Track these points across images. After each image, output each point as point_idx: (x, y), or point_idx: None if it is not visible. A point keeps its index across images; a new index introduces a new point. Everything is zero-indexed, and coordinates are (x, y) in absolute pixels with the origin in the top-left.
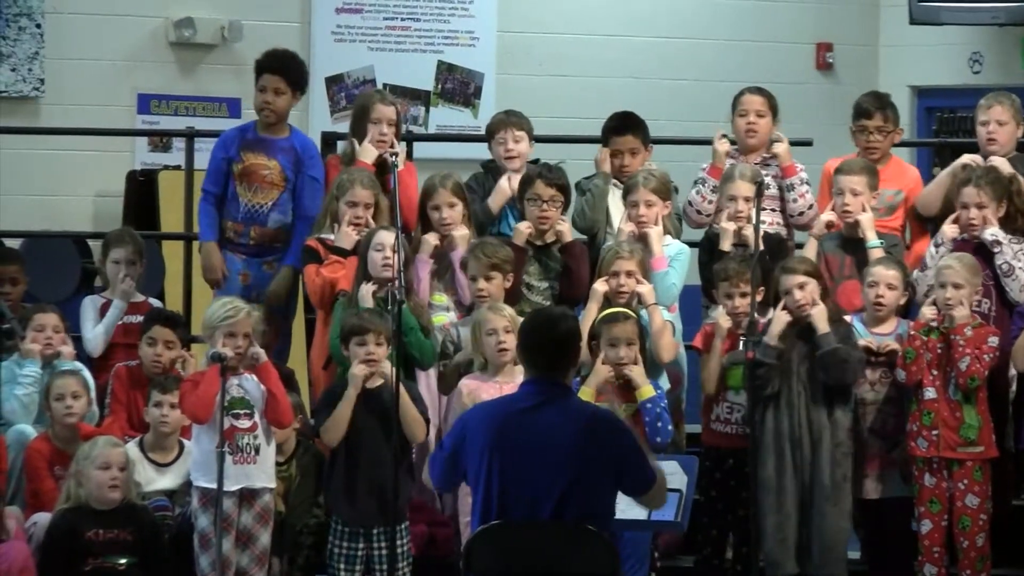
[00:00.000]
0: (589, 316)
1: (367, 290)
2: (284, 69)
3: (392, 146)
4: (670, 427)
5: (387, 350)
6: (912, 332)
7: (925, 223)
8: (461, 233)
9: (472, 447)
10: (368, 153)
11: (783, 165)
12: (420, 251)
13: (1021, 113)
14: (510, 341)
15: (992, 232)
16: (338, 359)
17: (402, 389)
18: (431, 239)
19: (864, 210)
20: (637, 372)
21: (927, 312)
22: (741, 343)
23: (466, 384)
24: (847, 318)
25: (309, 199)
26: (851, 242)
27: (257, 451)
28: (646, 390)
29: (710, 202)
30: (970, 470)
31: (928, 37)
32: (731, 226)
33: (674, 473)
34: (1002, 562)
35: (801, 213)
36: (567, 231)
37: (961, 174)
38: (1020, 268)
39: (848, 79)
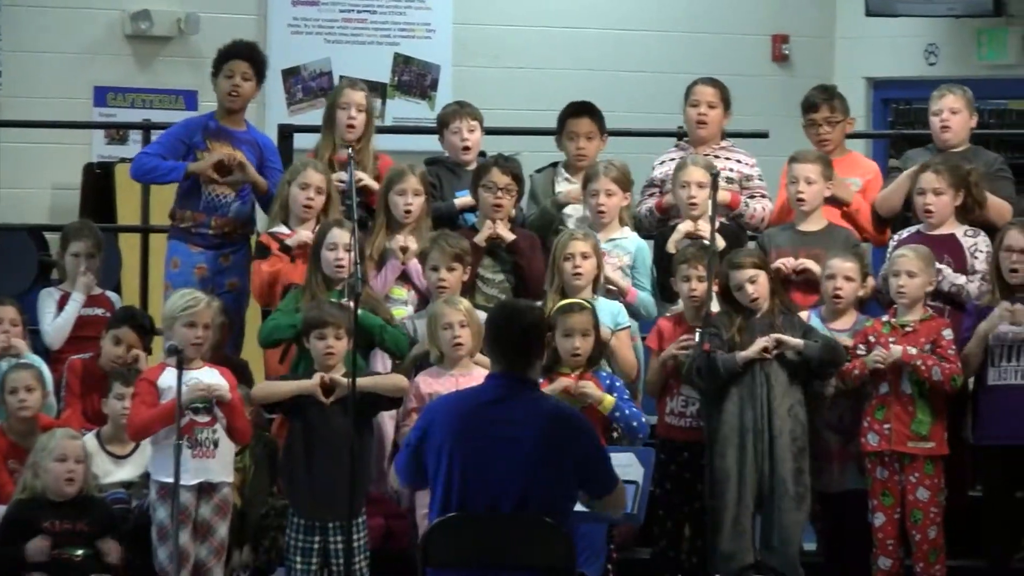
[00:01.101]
0: None
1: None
2: (252, 56)
3: (362, 128)
4: (643, 419)
5: (347, 344)
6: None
7: (885, 224)
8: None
9: (433, 439)
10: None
11: (725, 203)
12: (392, 256)
13: (973, 104)
14: (465, 335)
15: (951, 281)
16: (269, 340)
17: (369, 380)
18: (398, 244)
19: (819, 200)
20: (590, 389)
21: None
22: (697, 335)
23: (423, 379)
24: (803, 314)
25: (272, 193)
26: (803, 235)
27: (216, 445)
28: (607, 401)
29: (648, 220)
30: (921, 464)
31: (884, 28)
32: (686, 226)
33: (630, 465)
34: (959, 554)
35: (756, 228)
36: (506, 232)
37: (919, 159)
38: (968, 280)
39: (804, 71)
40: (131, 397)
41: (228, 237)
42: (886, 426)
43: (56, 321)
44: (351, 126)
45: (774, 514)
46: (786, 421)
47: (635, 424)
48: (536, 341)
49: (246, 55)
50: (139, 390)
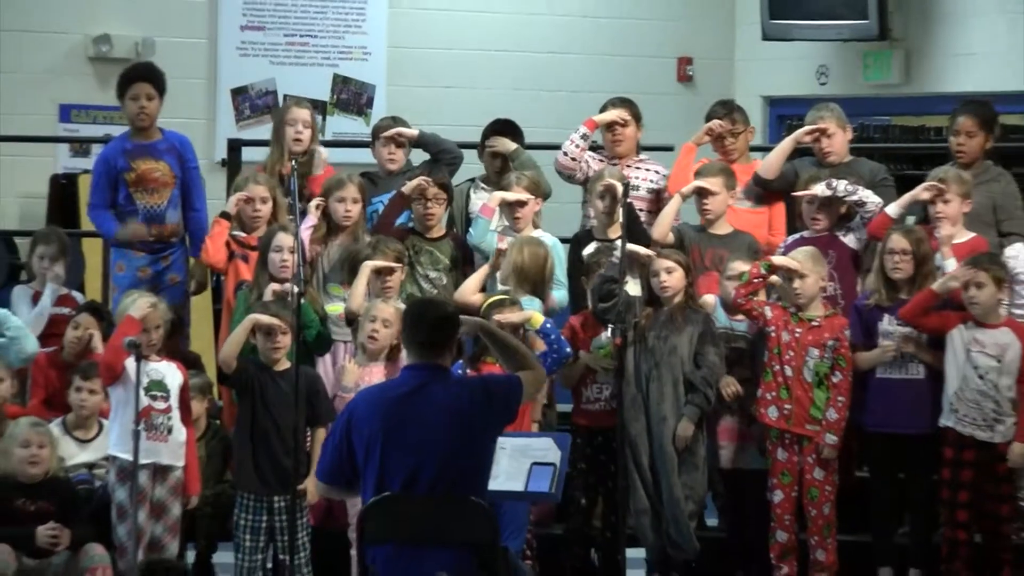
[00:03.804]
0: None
1: (270, 290)
2: (154, 77)
3: (308, 143)
4: (564, 339)
5: (290, 338)
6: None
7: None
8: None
9: (360, 432)
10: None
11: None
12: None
13: (844, 118)
14: (383, 334)
15: (860, 197)
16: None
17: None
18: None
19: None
20: (515, 315)
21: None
22: (609, 329)
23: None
24: (709, 299)
25: (197, 189)
26: (711, 237)
27: (170, 431)
28: (536, 318)
29: (577, 146)
30: (818, 446)
31: (780, 51)
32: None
33: (548, 449)
34: (847, 529)
35: None
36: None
37: (808, 173)
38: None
39: (706, 90)
40: (89, 391)
41: (165, 241)
42: (787, 406)
43: (33, 311)
44: (298, 139)
45: (663, 493)
46: (675, 405)
47: (562, 341)
48: (447, 333)
49: (147, 76)
50: (101, 359)
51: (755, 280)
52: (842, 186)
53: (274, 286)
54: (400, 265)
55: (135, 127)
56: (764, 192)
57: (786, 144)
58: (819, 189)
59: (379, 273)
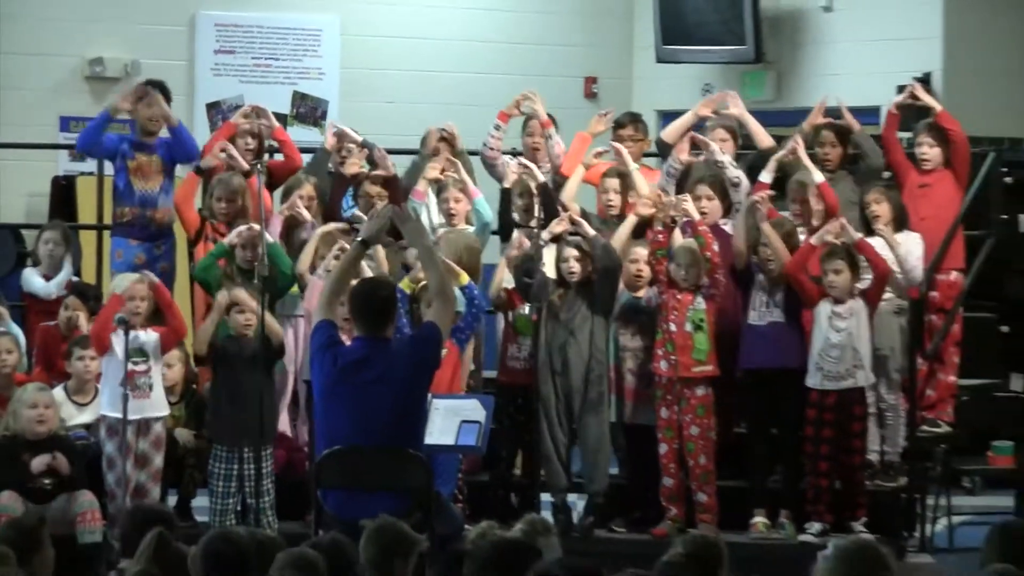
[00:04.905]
0: None
1: (235, 232)
2: (166, 94)
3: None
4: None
5: (257, 305)
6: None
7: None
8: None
9: (316, 380)
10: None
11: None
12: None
13: (737, 130)
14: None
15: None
16: (202, 281)
17: (268, 317)
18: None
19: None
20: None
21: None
22: (527, 307)
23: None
24: None
25: (188, 139)
26: (613, 227)
27: (151, 388)
28: (463, 277)
29: (494, 136)
30: (694, 407)
31: (671, 72)
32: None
33: (475, 409)
34: (727, 476)
35: None
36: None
37: (698, 171)
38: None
39: (609, 105)
40: (90, 358)
41: (159, 227)
42: (673, 357)
43: (54, 280)
44: (248, 150)
45: (581, 433)
46: (584, 353)
47: (481, 299)
48: (390, 310)
49: (162, 92)
50: (91, 332)
51: (659, 237)
52: (727, 159)
53: (239, 228)
54: (346, 227)
55: (145, 131)
56: (683, 169)
57: (688, 116)
58: (714, 147)
59: (327, 244)
